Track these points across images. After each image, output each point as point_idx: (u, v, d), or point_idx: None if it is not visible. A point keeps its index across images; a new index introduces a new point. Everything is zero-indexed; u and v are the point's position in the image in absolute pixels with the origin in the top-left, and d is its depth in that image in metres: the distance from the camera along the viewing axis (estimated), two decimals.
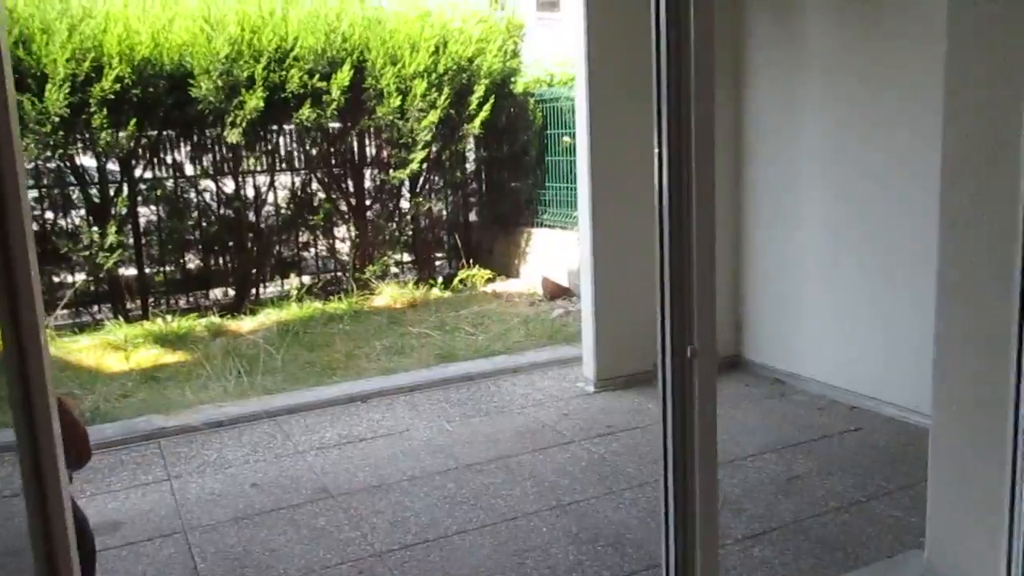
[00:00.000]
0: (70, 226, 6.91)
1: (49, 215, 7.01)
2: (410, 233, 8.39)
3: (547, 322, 6.58)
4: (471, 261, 8.27)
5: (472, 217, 8.79)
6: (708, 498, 1.73)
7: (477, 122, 7.63)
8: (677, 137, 1.69)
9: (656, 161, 1.70)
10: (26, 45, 5.98)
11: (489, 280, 8.14)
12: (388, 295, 7.57)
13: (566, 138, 7.68)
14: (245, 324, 6.94)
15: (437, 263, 8.72)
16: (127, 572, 3.09)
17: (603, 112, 4.69)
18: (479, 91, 7.58)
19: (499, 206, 8.48)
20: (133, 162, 7.01)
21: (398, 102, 7.16)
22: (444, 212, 8.63)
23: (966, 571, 2.40)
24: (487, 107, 7.63)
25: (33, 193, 7.00)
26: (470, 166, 8.64)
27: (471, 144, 8.44)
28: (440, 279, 8.01)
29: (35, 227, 7.01)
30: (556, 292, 7.36)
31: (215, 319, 6.92)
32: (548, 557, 3.03)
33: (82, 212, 7.01)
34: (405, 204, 8.28)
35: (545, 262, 7.88)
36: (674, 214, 1.65)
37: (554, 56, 8.61)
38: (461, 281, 8.02)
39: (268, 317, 7.05)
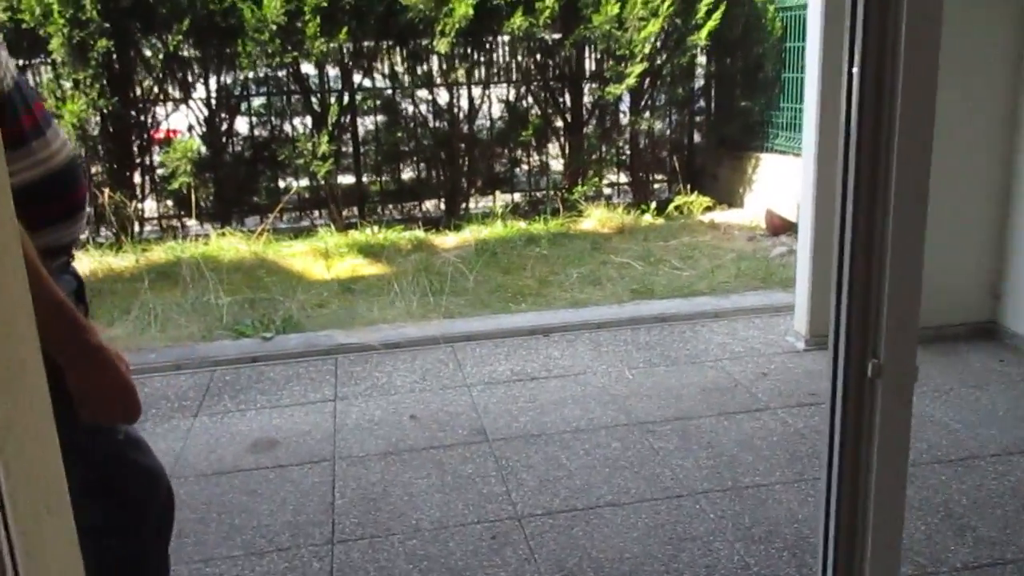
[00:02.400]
0: (293, 133, 7.09)
1: (275, 121, 7.25)
2: (627, 153, 7.86)
3: (764, 261, 5.88)
4: (690, 186, 7.61)
5: (696, 138, 8.07)
6: None
7: (704, 32, 6.86)
8: (877, 50, 1.11)
9: (845, 87, 1.13)
10: None
11: (708, 208, 7.45)
12: (596, 218, 7.15)
13: None
14: (448, 240, 6.84)
15: (655, 186, 8.14)
16: (268, 496, 3.02)
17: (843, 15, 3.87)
18: None
19: (726, 127, 7.69)
20: (352, 71, 7.03)
21: (616, 9, 6.57)
22: (667, 131, 7.98)
23: None
24: (717, 15, 6.81)
25: (261, 100, 7.26)
26: (698, 82, 7.88)
27: (700, 57, 7.67)
28: (654, 204, 7.45)
29: (265, 133, 7.28)
30: (781, 227, 6.57)
31: (419, 233, 6.88)
32: (708, 552, 2.57)
33: (305, 120, 7.17)
34: (624, 121, 7.74)
35: (772, 192, 7.07)
36: (864, 164, 1.09)
37: None
38: (677, 208, 7.41)
39: (472, 234, 6.90)
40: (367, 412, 3.70)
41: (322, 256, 6.41)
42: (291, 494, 3.04)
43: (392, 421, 3.60)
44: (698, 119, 8.02)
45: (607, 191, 7.90)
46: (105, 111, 6.52)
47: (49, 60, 6.45)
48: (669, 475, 3.04)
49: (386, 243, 6.68)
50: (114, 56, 6.57)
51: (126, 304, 5.29)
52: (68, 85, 6.47)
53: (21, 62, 6.66)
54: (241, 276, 5.99)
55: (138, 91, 6.92)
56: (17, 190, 1.43)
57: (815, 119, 4.07)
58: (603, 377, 3.97)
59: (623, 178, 8.05)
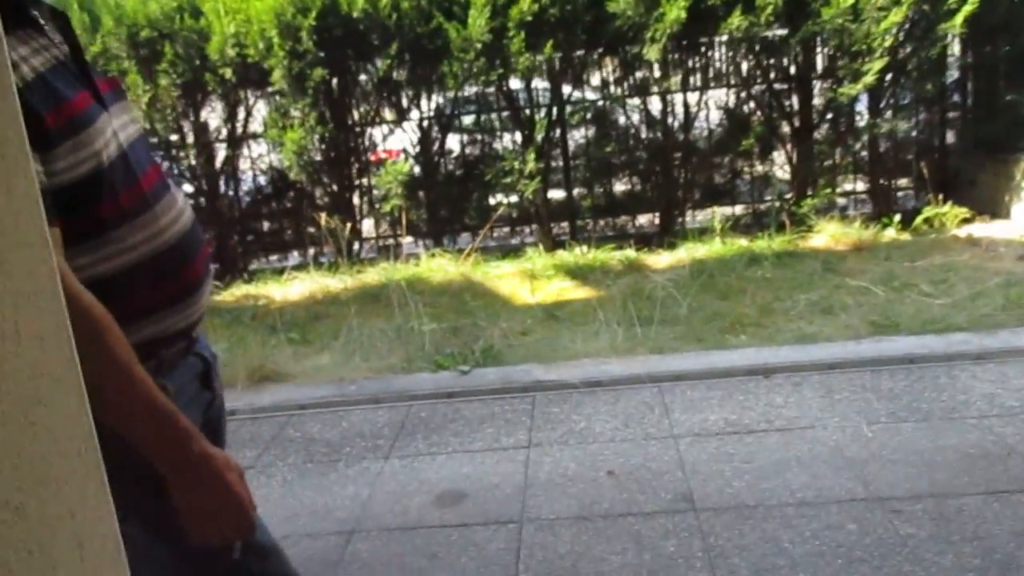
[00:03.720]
0: (502, 151, 6.95)
1: (486, 139, 7.16)
2: (865, 159, 7.01)
3: None
4: (942, 196, 6.62)
5: (949, 139, 7.05)
6: None
7: (959, 19, 5.89)
8: None
9: None
10: None
11: (965, 221, 6.44)
12: (828, 234, 6.40)
13: None
14: (662, 259, 6.40)
15: (899, 195, 7.21)
16: (450, 562, 2.77)
17: None
18: None
19: (988, 125, 6.62)
20: (561, 83, 6.80)
21: (851, 0, 5.81)
22: (913, 133, 7.03)
23: None
24: None
25: (471, 118, 7.21)
26: (951, 75, 6.87)
27: (956, 47, 6.68)
28: (898, 217, 6.55)
29: (476, 151, 7.21)
30: None
31: (631, 252, 6.48)
32: None
33: (515, 137, 7.02)
34: (862, 123, 6.89)
35: None
36: None
37: None
38: (926, 220, 6.47)
39: (687, 252, 6.41)
40: (561, 463, 3.38)
41: (528, 278, 6.20)
42: (473, 561, 2.77)
43: (588, 476, 3.25)
44: (951, 116, 6.99)
45: (841, 202, 7.08)
46: (323, 137, 6.71)
47: (274, 91, 6.74)
48: (922, 575, 2.45)
49: (595, 263, 6.35)
50: (334, 84, 6.75)
51: (335, 329, 5.34)
52: (295, 113, 6.71)
53: (251, 95, 7.03)
54: (447, 299, 5.92)
55: (356, 115, 7.08)
56: (111, 277, 1.24)
57: None
58: (835, 433, 3.39)
59: (860, 187, 7.20)
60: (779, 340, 4.50)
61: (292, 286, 6.58)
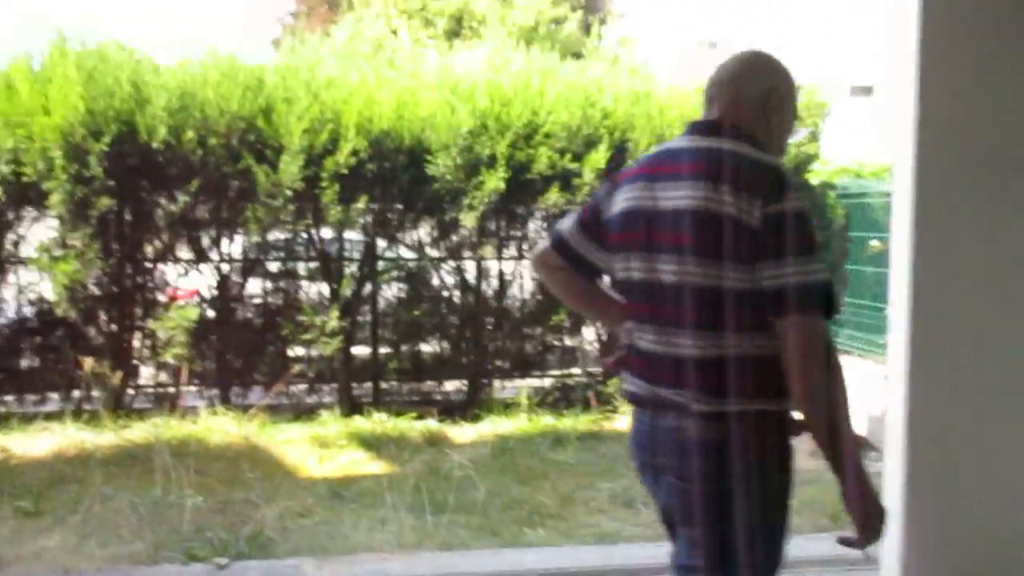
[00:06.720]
0: (306, 303, 6.50)
1: (290, 289, 6.70)
2: None
3: (832, 488, 4.94)
4: None
5: None
6: None
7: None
8: None
9: None
10: (267, 115, 5.69)
11: None
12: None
13: (875, 242, 6.05)
14: (465, 432, 6.07)
15: None
16: None
17: (939, 206, 3.22)
18: None
19: None
20: (375, 239, 6.55)
21: None
22: None
23: None
24: None
25: (276, 265, 6.75)
26: None
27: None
28: None
29: (278, 301, 6.71)
30: None
31: (432, 425, 6.09)
32: None
33: (321, 289, 6.61)
34: None
35: None
36: None
37: (865, 143, 7.03)
38: None
39: (492, 426, 6.13)
40: None
41: (319, 446, 5.65)
42: None
43: None
44: None
45: None
46: (104, 271, 6.03)
47: (52, 216, 6.07)
48: None
49: (394, 433, 5.91)
50: (125, 215, 6.16)
51: (78, 499, 4.54)
52: (74, 242, 6.00)
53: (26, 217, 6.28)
54: (222, 466, 5.24)
55: (148, 250, 6.46)
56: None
57: (906, 320, 3.30)
58: None
59: None
60: (577, 536, 4.20)
61: (40, 439, 5.67)
